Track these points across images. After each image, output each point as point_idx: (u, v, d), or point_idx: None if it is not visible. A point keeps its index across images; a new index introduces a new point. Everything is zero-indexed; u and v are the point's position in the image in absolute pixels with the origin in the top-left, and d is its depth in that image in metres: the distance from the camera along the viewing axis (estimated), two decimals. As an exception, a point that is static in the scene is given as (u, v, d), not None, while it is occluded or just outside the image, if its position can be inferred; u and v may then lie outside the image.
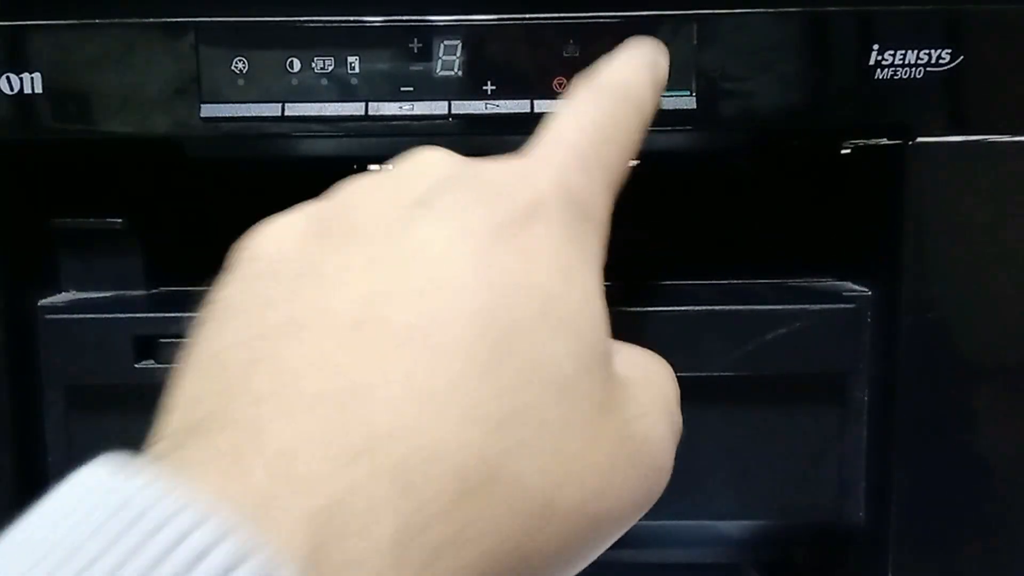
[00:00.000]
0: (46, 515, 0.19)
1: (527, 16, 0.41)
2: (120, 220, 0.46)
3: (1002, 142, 0.41)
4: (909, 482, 0.42)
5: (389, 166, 0.28)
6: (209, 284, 0.26)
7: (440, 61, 0.41)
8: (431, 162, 0.27)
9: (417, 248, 0.24)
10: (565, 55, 0.41)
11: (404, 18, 0.41)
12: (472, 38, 0.41)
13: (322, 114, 0.41)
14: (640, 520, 0.42)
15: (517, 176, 0.26)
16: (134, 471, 0.19)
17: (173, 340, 0.42)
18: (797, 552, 0.53)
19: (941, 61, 0.40)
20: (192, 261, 0.53)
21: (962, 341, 0.42)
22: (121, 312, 0.43)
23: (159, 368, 0.42)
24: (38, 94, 0.41)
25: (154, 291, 0.47)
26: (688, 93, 0.41)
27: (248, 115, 0.41)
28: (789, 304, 0.43)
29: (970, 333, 0.42)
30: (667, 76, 0.33)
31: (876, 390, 0.43)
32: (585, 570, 0.24)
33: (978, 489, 0.42)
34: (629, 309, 0.42)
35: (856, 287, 0.46)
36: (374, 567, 0.19)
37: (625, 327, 0.42)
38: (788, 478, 0.44)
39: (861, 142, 0.46)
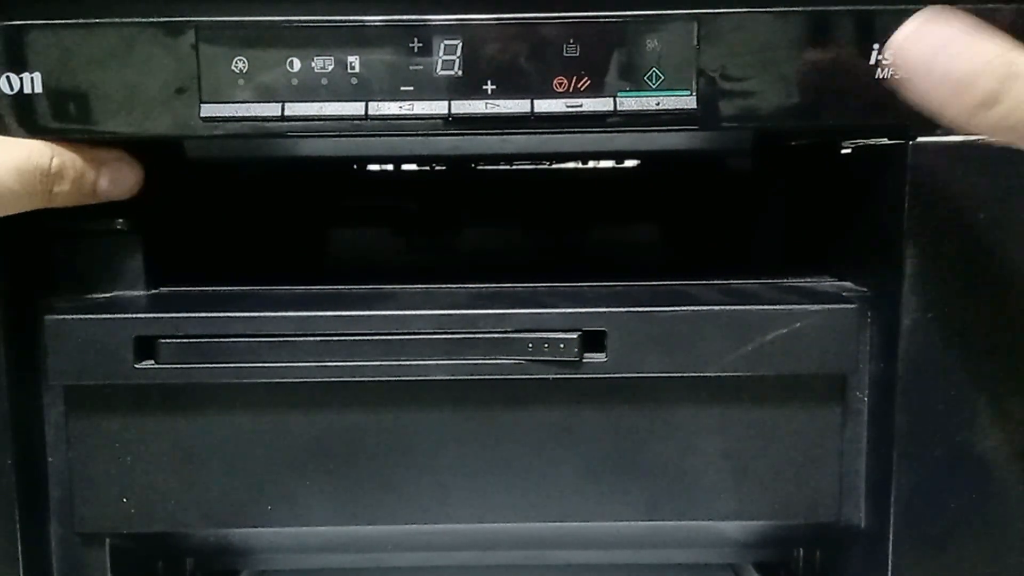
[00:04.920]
0: None
1: (527, 16, 0.41)
2: (120, 220, 0.46)
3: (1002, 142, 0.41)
4: (909, 482, 0.42)
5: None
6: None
7: (440, 61, 0.41)
8: None
9: None
10: (565, 55, 0.41)
11: (404, 18, 0.41)
12: (472, 38, 0.41)
13: (322, 114, 0.41)
14: (640, 520, 0.42)
15: None
16: None
17: (173, 340, 0.42)
18: (797, 552, 0.53)
19: (941, 61, 0.40)
20: (192, 261, 0.53)
21: (962, 341, 0.42)
22: (121, 312, 0.43)
23: (159, 368, 0.42)
24: (38, 94, 0.41)
25: (154, 291, 0.47)
26: (688, 93, 0.41)
27: (248, 115, 0.41)
28: (789, 304, 0.43)
29: (970, 333, 0.42)
30: None
31: (876, 390, 0.43)
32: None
33: (978, 489, 0.42)
34: (630, 309, 0.42)
35: (856, 287, 0.45)
36: None
37: (627, 327, 0.43)
38: (788, 478, 0.44)
39: (861, 142, 0.46)
